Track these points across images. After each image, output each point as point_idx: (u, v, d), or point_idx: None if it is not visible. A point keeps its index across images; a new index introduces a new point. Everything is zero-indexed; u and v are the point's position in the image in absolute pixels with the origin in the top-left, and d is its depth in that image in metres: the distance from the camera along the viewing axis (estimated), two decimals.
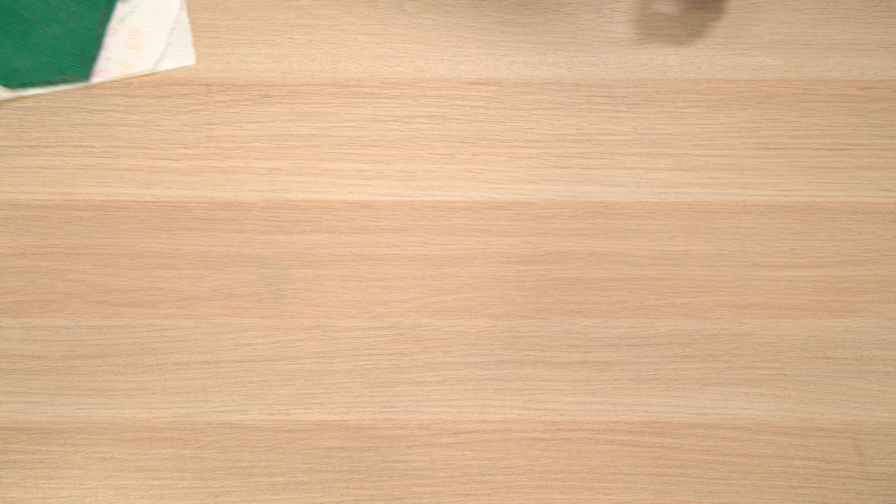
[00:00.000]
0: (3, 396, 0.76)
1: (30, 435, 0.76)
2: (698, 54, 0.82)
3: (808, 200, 0.80)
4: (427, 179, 0.80)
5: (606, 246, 0.79)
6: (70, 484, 0.75)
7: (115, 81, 0.81)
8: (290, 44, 0.82)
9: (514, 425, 0.76)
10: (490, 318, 0.78)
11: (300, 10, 0.82)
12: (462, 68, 0.81)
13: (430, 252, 0.79)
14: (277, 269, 0.78)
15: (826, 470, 0.76)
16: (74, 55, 0.74)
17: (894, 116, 0.81)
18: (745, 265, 0.79)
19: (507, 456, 0.76)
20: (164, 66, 0.73)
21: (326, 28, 0.82)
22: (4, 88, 0.72)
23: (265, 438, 0.76)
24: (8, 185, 0.79)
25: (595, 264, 0.79)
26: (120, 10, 0.72)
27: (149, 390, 0.76)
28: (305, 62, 0.82)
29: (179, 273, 0.78)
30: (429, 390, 0.77)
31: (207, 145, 0.80)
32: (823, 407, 0.77)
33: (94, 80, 0.72)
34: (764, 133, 0.81)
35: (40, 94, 0.81)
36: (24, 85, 0.73)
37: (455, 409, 0.76)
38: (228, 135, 0.80)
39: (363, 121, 0.81)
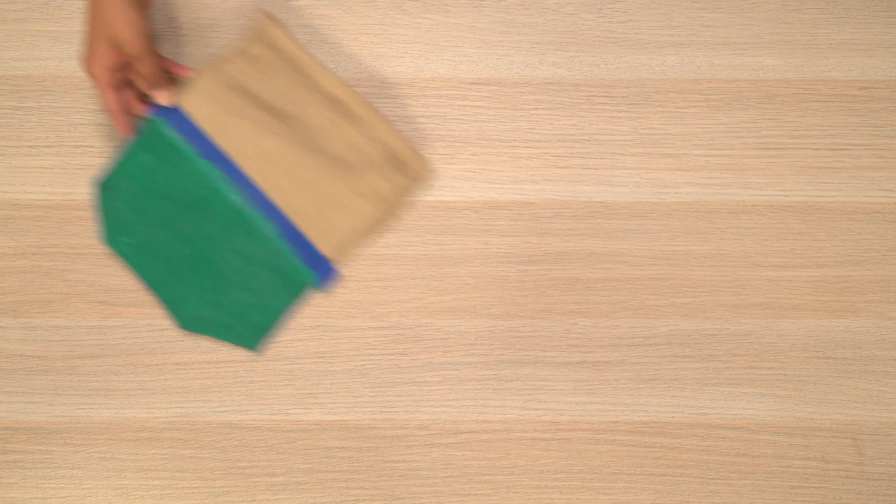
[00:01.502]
0: (3, 396, 0.76)
1: (30, 435, 0.76)
2: (698, 54, 0.82)
3: (808, 200, 0.80)
4: (427, 179, 0.80)
5: (606, 246, 0.79)
6: (70, 484, 0.75)
7: None
8: None
9: (514, 425, 0.76)
10: (490, 318, 0.78)
11: (300, 10, 0.82)
12: (462, 68, 0.81)
13: (430, 252, 0.79)
14: None
15: (826, 470, 0.76)
16: (253, 327, 0.75)
17: (894, 116, 0.81)
18: (745, 265, 0.79)
19: (507, 456, 0.76)
20: None
21: (327, 28, 0.82)
22: (180, 328, 0.75)
23: (265, 438, 0.76)
24: (8, 185, 0.79)
25: (595, 264, 0.79)
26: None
27: (149, 390, 0.76)
28: None
29: None
30: (429, 390, 0.77)
31: None
32: (823, 407, 0.77)
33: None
34: (764, 133, 0.81)
35: (40, 94, 0.81)
36: (199, 333, 0.75)
37: (455, 409, 0.76)
38: None
39: None
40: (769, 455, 0.76)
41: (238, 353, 0.77)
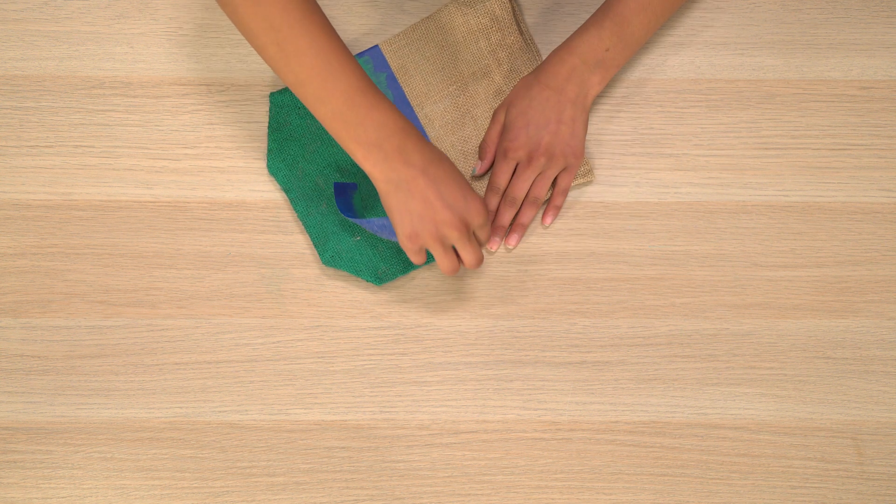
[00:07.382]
0: (3, 396, 0.76)
1: (30, 435, 0.76)
2: (698, 54, 0.82)
3: (808, 200, 0.80)
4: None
5: (606, 246, 0.79)
6: (70, 484, 0.75)
7: (115, 81, 0.81)
8: None
9: (514, 425, 0.76)
10: (490, 318, 0.78)
11: None
12: None
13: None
14: (277, 269, 0.78)
15: (826, 470, 0.76)
16: (393, 264, 0.77)
17: (894, 116, 0.81)
18: (745, 265, 0.79)
19: (507, 456, 0.76)
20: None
21: None
22: (323, 264, 0.77)
23: (265, 438, 0.76)
24: (8, 185, 0.79)
25: (595, 264, 0.79)
26: None
27: (149, 390, 0.76)
28: None
29: (179, 273, 0.78)
30: (429, 390, 0.77)
31: (207, 145, 0.80)
32: (823, 407, 0.77)
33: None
34: (764, 133, 0.81)
35: (40, 94, 0.81)
36: (339, 268, 0.77)
37: (455, 409, 0.76)
38: (228, 135, 0.80)
39: None
40: (769, 455, 0.76)
41: (238, 353, 0.77)
